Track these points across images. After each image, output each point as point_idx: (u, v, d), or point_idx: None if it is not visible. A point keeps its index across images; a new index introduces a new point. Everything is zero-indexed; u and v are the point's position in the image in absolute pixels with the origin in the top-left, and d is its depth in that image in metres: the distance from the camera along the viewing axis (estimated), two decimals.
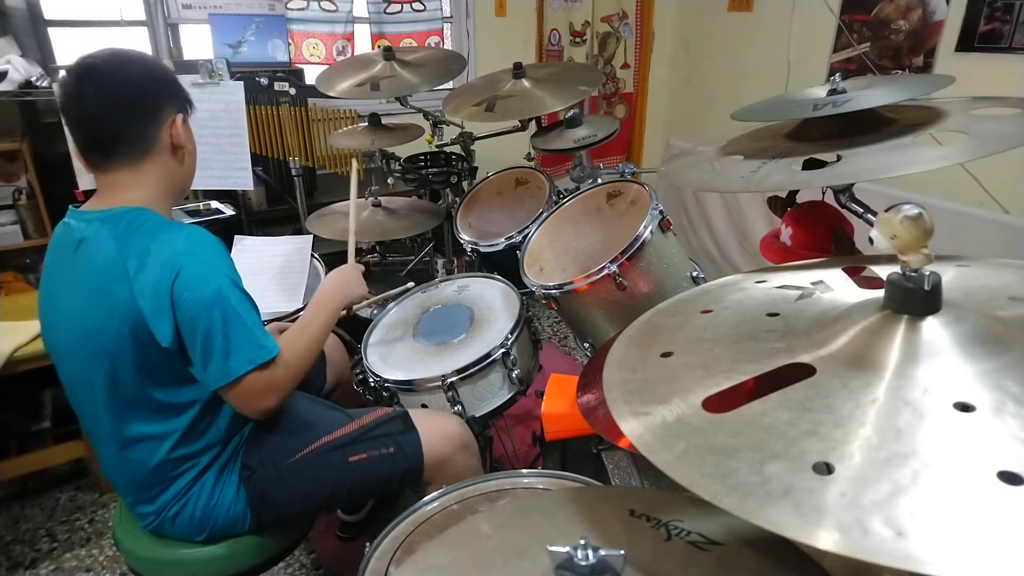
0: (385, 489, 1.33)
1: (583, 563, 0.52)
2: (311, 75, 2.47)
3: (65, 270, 1.12)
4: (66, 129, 1.11)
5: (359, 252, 2.29)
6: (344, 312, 1.40)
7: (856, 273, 0.75)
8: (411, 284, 1.72)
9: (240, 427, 1.24)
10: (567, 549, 0.53)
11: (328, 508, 1.34)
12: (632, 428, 0.55)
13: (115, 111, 1.08)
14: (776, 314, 0.67)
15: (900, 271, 0.57)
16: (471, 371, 1.39)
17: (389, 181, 2.38)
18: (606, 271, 1.33)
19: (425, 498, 1.10)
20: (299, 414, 1.31)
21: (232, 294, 1.09)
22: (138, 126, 1.10)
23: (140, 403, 1.11)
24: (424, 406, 1.44)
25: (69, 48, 2.57)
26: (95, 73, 1.08)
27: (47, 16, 2.51)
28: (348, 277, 1.42)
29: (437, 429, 1.33)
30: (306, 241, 1.93)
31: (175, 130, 1.14)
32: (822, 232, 1.33)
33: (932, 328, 0.55)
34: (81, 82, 1.07)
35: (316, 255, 1.92)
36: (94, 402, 1.13)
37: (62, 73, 1.12)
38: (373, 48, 3.10)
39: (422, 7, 3.17)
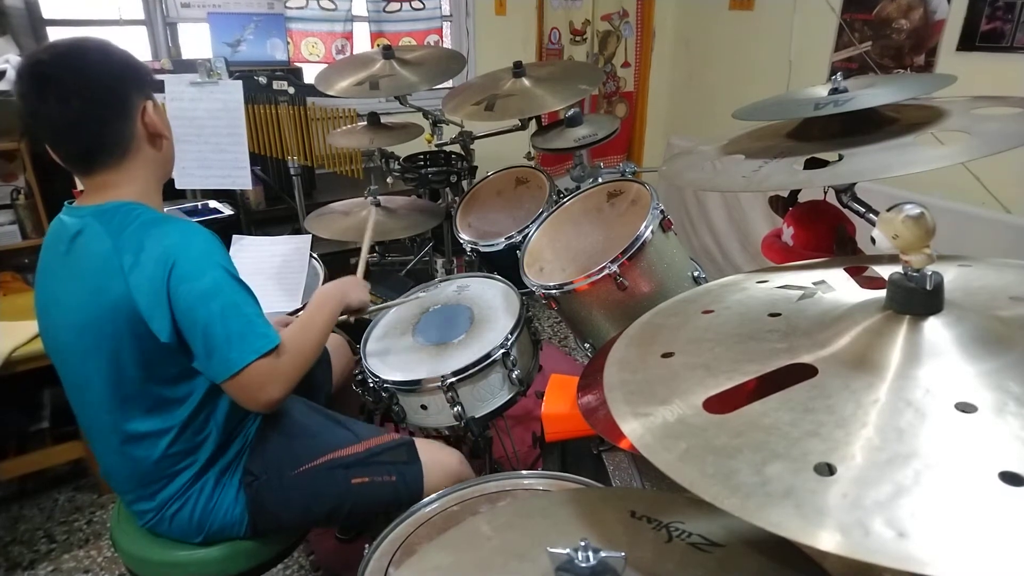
0: (381, 516, 1.32)
1: (583, 565, 0.52)
2: (310, 74, 2.46)
3: (61, 266, 1.11)
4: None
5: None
6: (345, 317, 1.39)
7: (858, 273, 0.75)
8: (419, 294, 1.69)
9: (239, 424, 1.24)
10: (567, 551, 0.52)
11: (324, 525, 1.33)
12: (633, 429, 0.55)
13: (84, 118, 1.03)
14: (778, 314, 0.67)
15: (902, 271, 0.57)
16: (471, 371, 1.39)
17: (388, 180, 2.37)
18: (606, 271, 1.32)
19: (425, 499, 1.10)
20: (307, 426, 1.31)
21: (228, 285, 1.08)
22: (113, 128, 1.06)
23: (140, 398, 1.11)
24: (423, 407, 1.44)
25: None
26: (53, 78, 1.00)
27: (46, 16, 2.50)
28: (352, 280, 1.43)
29: (437, 464, 1.33)
30: (305, 241, 1.92)
31: (149, 119, 1.09)
32: (824, 232, 1.33)
33: (934, 328, 0.55)
34: (41, 90, 1.00)
35: (315, 255, 1.92)
36: (94, 398, 1.12)
37: (14, 78, 1.02)
38: (372, 47, 3.10)
39: (421, 6, 3.17)
